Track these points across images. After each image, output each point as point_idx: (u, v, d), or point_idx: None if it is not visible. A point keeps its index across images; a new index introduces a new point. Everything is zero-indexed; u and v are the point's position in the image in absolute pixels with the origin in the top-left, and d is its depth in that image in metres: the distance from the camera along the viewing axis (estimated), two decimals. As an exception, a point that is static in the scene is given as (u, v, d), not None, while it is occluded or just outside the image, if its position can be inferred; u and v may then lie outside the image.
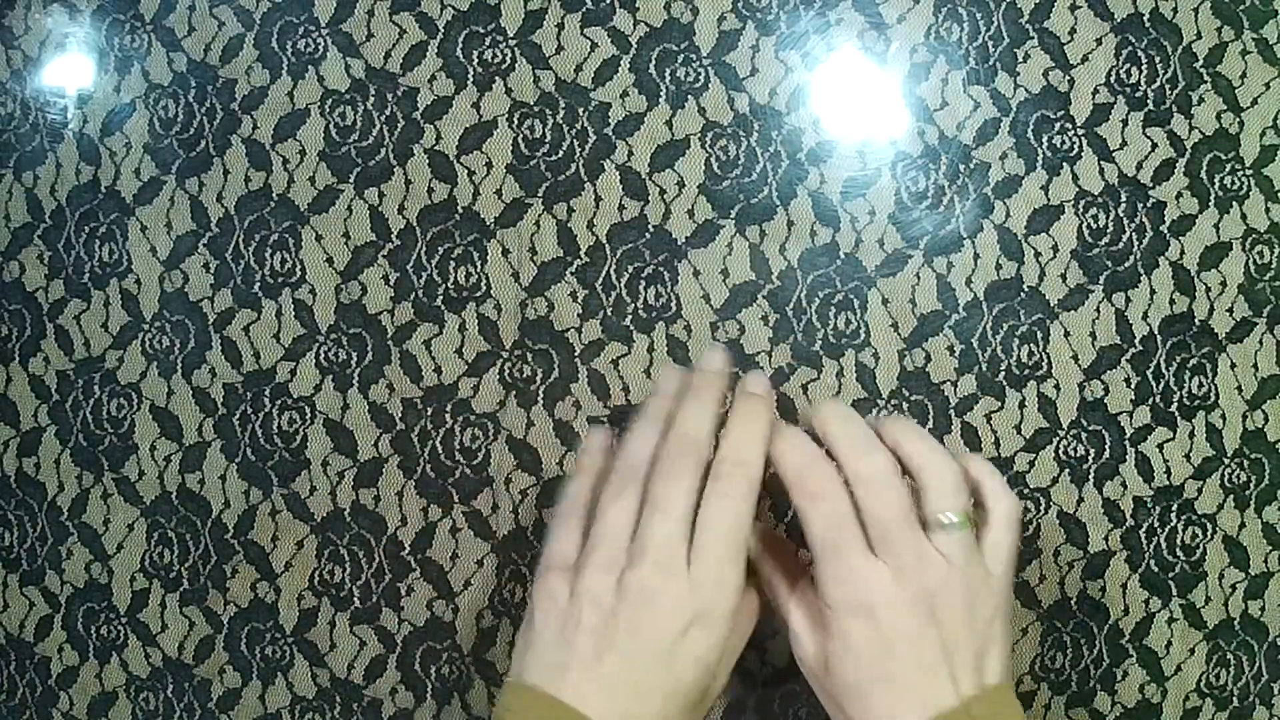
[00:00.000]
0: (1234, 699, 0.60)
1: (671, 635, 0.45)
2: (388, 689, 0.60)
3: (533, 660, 0.46)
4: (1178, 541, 0.60)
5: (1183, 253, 0.60)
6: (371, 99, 0.60)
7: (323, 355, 0.60)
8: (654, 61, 0.59)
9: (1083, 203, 0.59)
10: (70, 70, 0.61)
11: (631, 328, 0.60)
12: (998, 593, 0.47)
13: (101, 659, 0.61)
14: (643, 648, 0.45)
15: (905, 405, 0.59)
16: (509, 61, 0.60)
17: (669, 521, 0.46)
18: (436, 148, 0.60)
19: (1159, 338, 0.59)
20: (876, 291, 0.59)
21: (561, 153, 0.60)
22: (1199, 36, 0.60)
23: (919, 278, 0.59)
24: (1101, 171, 0.59)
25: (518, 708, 0.46)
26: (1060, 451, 0.59)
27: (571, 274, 0.60)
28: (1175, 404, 0.60)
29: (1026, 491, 0.59)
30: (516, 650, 0.48)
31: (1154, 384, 0.59)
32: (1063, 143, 0.59)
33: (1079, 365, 0.59)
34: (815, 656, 0.48)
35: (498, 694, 0.49)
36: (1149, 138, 0.59)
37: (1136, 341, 0.59)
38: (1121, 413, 0.59)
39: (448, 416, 0.60)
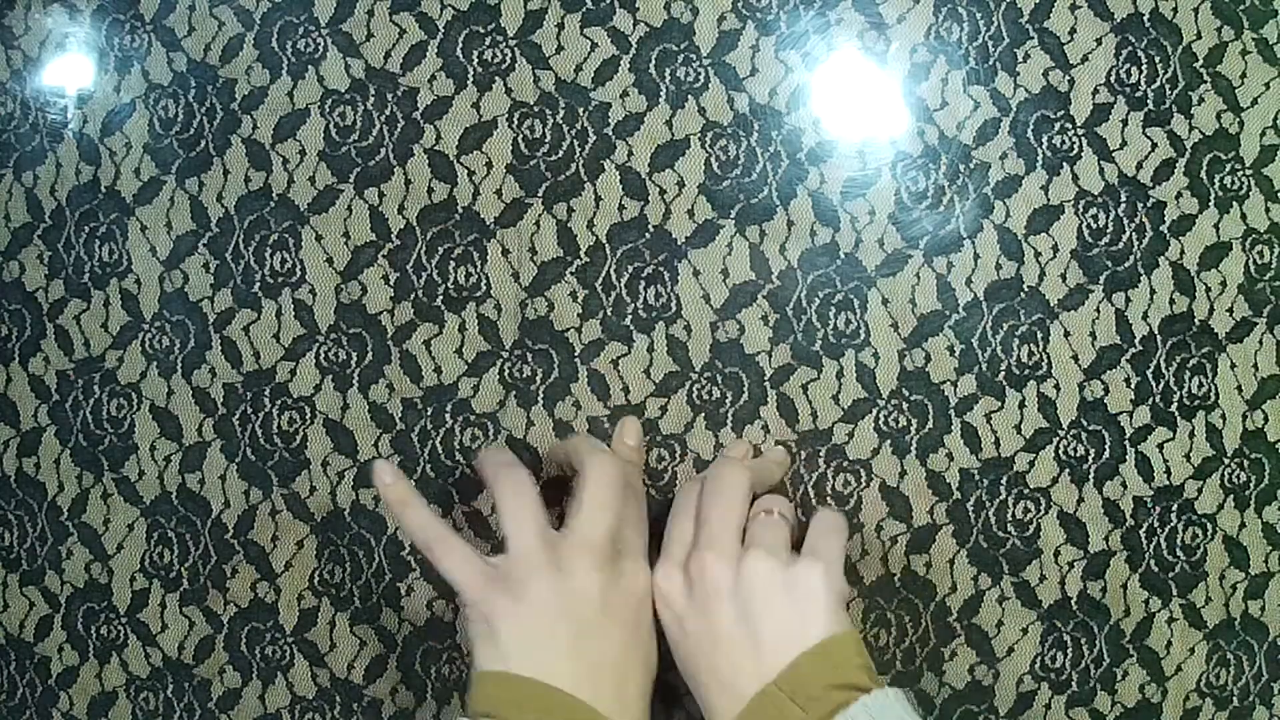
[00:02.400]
0: (1234, 699, 0.60)
1: (633, 609, 0.52)
2: (388, 689, 0.60)
3: (513, 654, 0.49)
4: (1178, 541, 0.60)
5: (1183, 253, 0.60)
6: (371, 99, 0.60)
7: (323, 355, 0.60)
8: (654, 61, 0.59)
9: (1083, 203, 0.59)
10: (70, 70, 0.61)
11: (631, 328, 0.60)
12: (810, 570, 0.50)
13: (101, 659, 0.61)
14: (615, 625, 0.51)
15: (905, 405, 0.59)
16: (509, 61, 0.60)
17: (608, 515, 0.52)
18: (436, 148, 0.60)
19: (1159, 338, 0.59)
20: (876, 291, 0.59)
21: (561, 153, 0.60)
22: (1199, 36, 0.60)
23: (919, 278, 0.59)
24: (1101, 171, 0.59)
25: (510, 698, 0.48)
26: (1060, 451, 0.59)
27: (571, 274, 0.60)
28: (1175, 404, 0.60)
29: (1026, 492, 0.59)
30: (480, 652, 0.50)
31: (1154, 384, 0.59)
32: (1063, 143, 0.59)
33: (1079, 365, 0.59)
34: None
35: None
36: (1149, 138, 0.59)
37: (1136, 341, 0.59)
38: (1121, 413, 0.59)
39: (448, 416, 0.60)
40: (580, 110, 0.59)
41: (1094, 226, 0.59)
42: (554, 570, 0.50)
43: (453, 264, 0.60)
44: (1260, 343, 0.60)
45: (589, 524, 0.51)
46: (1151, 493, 0.60)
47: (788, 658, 0.48)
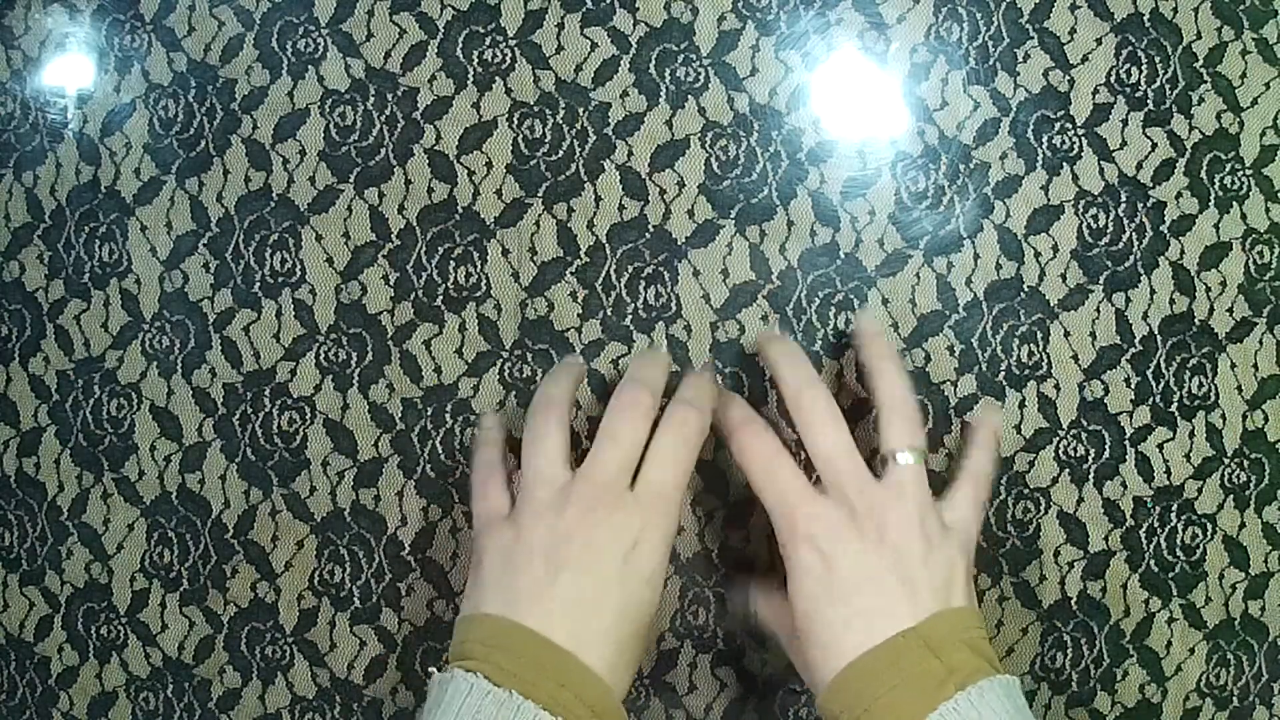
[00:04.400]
0: (1234, 699, 0.60)
1: (620, 553, 0.48)
2: (388, 689, 0.61)
3: (487, 594, 0.48)
4: (1178, 541, 0.60)
5: (1183, 253, 0.60)
6: (371, 99, 0.60)
7: (323, 355, 0.60)
8: (654, 61, 0.59)
9: (1083, 203, 0.59)
10: (70, 70, 0.61)
11: (631, 328, 0.60)
12: (953, 538, 0.49)
13: (101, 659, 0.61)
14: (593, 566, 0.48)
15: (905, 405, 0.59)
16: (509, 61, 0.60)
17: (618, 449, 0.49)
18: (436, 148, 0.60)
19: (1159, 338, 0.59)
20: (876, 291, 0.59)
21: (561, 153, 0.60)
22: (1199, 36, 0.60)
23: (919, 278, 0.59)
24: (1101, 171, 0.59)
25: (477, 636, 0.47)
26: (1060, 451, 0.59)
27: (571, 274, 0.60)
28: (1175, 404, 0.60)
29: (1027, 492, 0.59)
30: (466, 596, 0.50)
31: (1154, 384, 0.59)
32: (1063, 143, 0.59)
33: (1079, 365, 0.59)
34: (778, 606, 0.51)
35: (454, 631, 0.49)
36: (1149, 138, 0.59)
37: (1136, 341, 0.59)
38: (1121, 413, 0.59)
39: (448, 416, 0.60)
40: (580, 110, 0.59)
41: (1094, 226, 0.59)
42: (547, 506, 0.49)
43: (453, 264, 0.60)
44: (1260, 343, 0.60)
45: (592, 459, 0.50)
46: (1151, 493, 0.60)
47: (928, 611, 0.47)
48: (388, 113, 0.60)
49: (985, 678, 0.46)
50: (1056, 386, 0.59)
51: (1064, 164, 0.59)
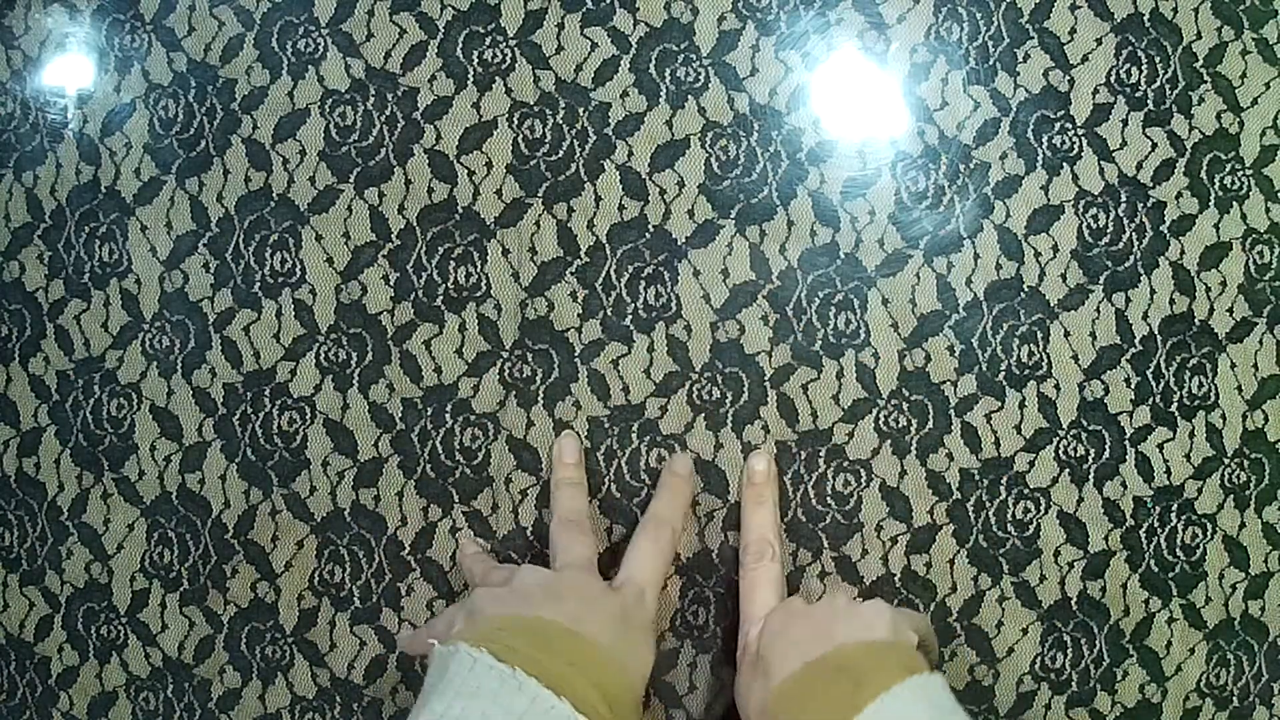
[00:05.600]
0: (1234, 699, 0.60)
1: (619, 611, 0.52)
2: (388, 689, 0.60)
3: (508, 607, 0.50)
4: (1178, 541, 0.60)
5: (1183, 253, 0.60)
6: (371, 99, 0.60)
7: (323, 355, 0.60)
8: (654, 61, 0.59)
9: (1083, 203, 0.59)
10: (70, 70, 0.61)
11: (631, 328, 0.60)
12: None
13: (101, 659, 0.61)
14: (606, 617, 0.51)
15: (905, 405, 0.59)
16: (509, 61, 0.60)
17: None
18: (436, 148, 0.60)
19: (1159, 338, 0.59)
20: (876, 291, 0.59)
21: (561, 153, 0.60)
22: (1199, 36, 0.60)
23: (919, 278, 0.59)
24: (1101, 171, 0.59)
25: (488, 625, 0.48)
26: (1060, 451, 0.59)
27: (571, 274, 0.60)
28: (1175, 404, 0.60)
29: (1026, 492, 0.59)
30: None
31: (1154, 384, 0.59)
32: (1063, 143, 0.59)
33: (1079, 365, 0.59)
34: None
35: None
36: (1149, 138, 0.59)
37: (1136, 341, 0.59)
38: (1121, 413, 0.59)
39: (448, 416, 0.60)
40: (580, 110, 0.59)
41: (1094, 226, 0.59)
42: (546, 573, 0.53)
43: (453, 264, 0.60)
44: (1260, 343, 0.60)
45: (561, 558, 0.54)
46: (1151, 493, 0.60)
47: (841, 641, 0.49)
48: (388, 113, 0.60)
49: (898, 682, 0.46)
50: (1056, 386, 0.59)
51: (1064, 164, 0.59)
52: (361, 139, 0.60)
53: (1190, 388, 0.60)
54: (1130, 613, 0.60)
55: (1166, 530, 0.60)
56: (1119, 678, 0.60)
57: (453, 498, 0.60)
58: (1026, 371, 0.59)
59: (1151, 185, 0.59)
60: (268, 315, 0.60)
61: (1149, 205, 0.59)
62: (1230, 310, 0.60)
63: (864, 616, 0.51)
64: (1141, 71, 0.59)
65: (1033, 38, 0.59)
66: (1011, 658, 0.60)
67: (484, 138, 0.60)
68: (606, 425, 0.59)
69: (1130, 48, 0.59)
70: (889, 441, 0.59)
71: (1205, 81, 0.60)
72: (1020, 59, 0.59)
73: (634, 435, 0.59)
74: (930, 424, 0.59)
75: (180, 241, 0.61)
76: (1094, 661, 0.60)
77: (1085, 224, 0.59)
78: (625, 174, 0.59)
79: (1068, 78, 0.59)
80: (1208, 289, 0.60)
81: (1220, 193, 0.60)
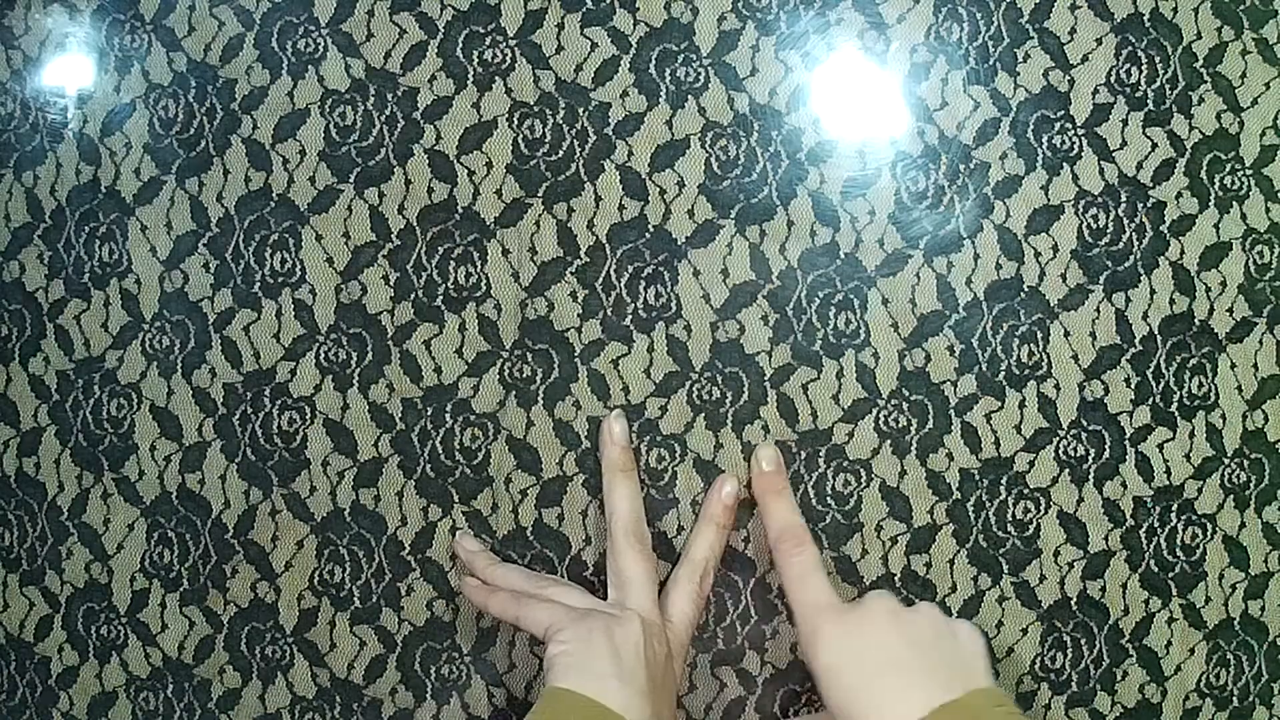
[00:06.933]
0: (1234, 699, 0.60)
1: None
2: (388, 689, 0.60)
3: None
4: (1178, 541, 0.60)
5: (1183, 253, 0.60)
6: (371, 99, 0.60)
7: (323, 355, 0.60)
8: (654, 61, 0.59)
9: (1083, 203, 0.59)
10: (70, 70, 0.61)
11: (631, 328, 0.59)
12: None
13: (101, 659, 0.61)
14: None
15: (905, 405, 0.59)
16: (509, 61, 0.60)
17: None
18: (436, 148, 0.60)
19: (1159, 338, 0.59)
20: (876, 291, 0.59)
21: (561, 153, 0.60)
22: (1199, 36, 0.60)
23: (919, 278, 0.59)
24: (1101, 171, 0.59)
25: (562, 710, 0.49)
26: (1060, 451, 0.59)
27: (571, 274, 0.60)
28: (1175, 404, 0.60)
29: (1026, 492, 0.59)
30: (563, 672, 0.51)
31: (1154, 384, 0.59)
32: (1063, 143, 0.59)
33: (1079, 365, 0.59)
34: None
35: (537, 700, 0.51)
36: (1149, 138, 0.59)
37: (1136, 341, 0.59)
38: (1121, 413, 0.59)
39: (448, 416, 0.60)
40: (580, 110, 0.59)
41: (1094, 226, 0.59)
42: (648, 628, 0.54)
43: (453, 264, 0.60)
44: (1260, 343, 0.60)
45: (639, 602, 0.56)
46: (1151, 493, 0.60)
47: (961, 690, 0.49)
48: (388, 113, 0.60)
49: None
50: (1056, 386, 0.59)
51: (1064, 164, 0.59)
52: (361, 139, 0.60)
53: (1190, 388, 0.60)
54: (1130, 613, 0.60)
55: (1166, 530, 0.60)
56: (1119, 678, 0.60)
57: (453, 498, 0.60)
58: (1026, 371, 0.59)
59: (1151, 185, 0.59)
60: (268, 315, 0.60)
61: (1149, 205, 0.59)
62: (1230, 310, 0.60)
63: (970, 652, 0.52)
64: (1141, 71, 0.59)
65: (1033, 38, 0.59)
66: (1011, 658, 0.60)
67: (484, 138, 0.60)
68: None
69: (1130, 48, 0.59)
70: (889, 441, 0.59)
71: (1205, 81, 0.60)
72: (1020, 59, 0.59)
73: (634, 435, 0.59)
74: (930, 424, 0.59)
75: (180, 241, 0.61)
76: (1094, 661, 0.60)
77: (1085, 224, 0.59)
78: (625, 174, 0.59)
79: (1068, 78, 0.59)
80: (1208, 289, 0.60)
81: (1220, 193, 0.60)
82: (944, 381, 0.59)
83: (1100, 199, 0.59)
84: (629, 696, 0.50)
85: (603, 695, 0.49)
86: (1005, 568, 0.59)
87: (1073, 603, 0.59)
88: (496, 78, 0.60)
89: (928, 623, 0.52)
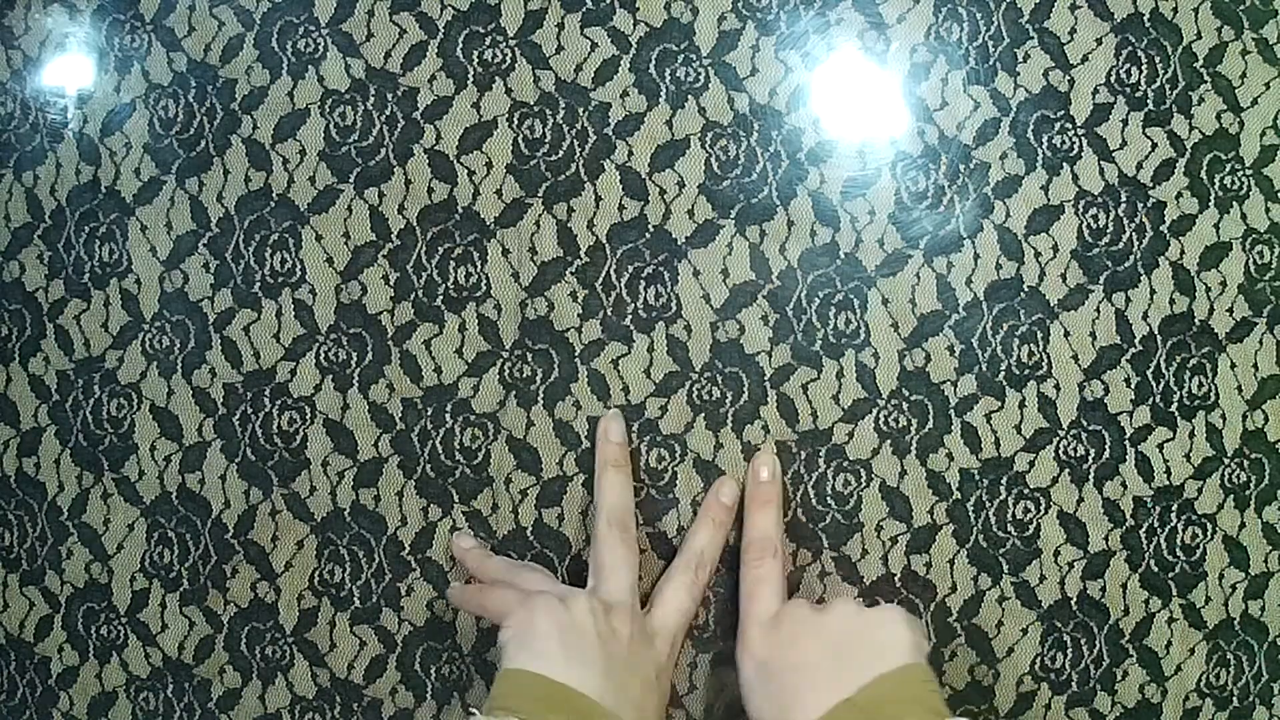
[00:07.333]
0: (1234, 699, 0.60)
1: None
2: (388, 689, 0.60)
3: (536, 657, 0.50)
4: (1178, 541, 0.60)
5: (1183, 253, 0.60)
6: (371, 99, 0.60)
7: (323, 355, 0.60)
8: (654, 61, 0.59)
9: (1083, 203, 0.59)
10: (70, 70, 0.61)
11: (631, 328, 0.60)
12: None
13: (101, 659, 0.61)
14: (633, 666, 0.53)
15: (905, 405, 0.59)
16: (509, 61, 0.60)
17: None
18: (436, 148, 0.60)
19: (1159, 338, 0.59)
20: (876, 291, 0.59)
21: (561, 153, 0.60)
22: (1199, 36, 0.60)
23: (919, 278, 0.59)
24: (1101, 171, 0.59)
25: (518, 692, 0.49)
26: (1060, 451, 0.59)
27: (571, 274, 0.60)
28: (1175, 404, 0.60)
29: (1026, 492, 0.59)
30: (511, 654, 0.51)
31: (1154, 384, 0.59)
32: (1063, 143, 0.59)
33: (1079, 365, 0.59)
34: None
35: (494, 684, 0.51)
36: (1149, 138, 0.59)
37: (1136, 341, 0.59)
38: (1121, 413, 0.59)
39: (448, 416, 0.60)
40: (580, 110, 0.59)
41: (1094, 226, 0.59)
42: (596, 606, 0.53)
43: (453, 264, 0.60)
44: (1260, 343, 0.60)
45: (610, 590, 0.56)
46: (1151, 493, 0.60)
47: (870, 677, 0.49)
48: (388, 113, 0.60)
49: None
50: (1056, 386, 0.59)
51: (1064, 164, 0.59)
52: (361, 139, 0.60)
53: (1190, 388, 0.60)
54: (1130, 613, 0.60)
55: (1166, 530, 0.60)
56: (1119, 678, 0.60)
57: (453, 498, 0.60)
58: (1026, 371, 0.59)
59: (1151, 185, 0.59)
60: (268, 315, 0.60)
61: (1149, 205, 0.59)
62: (1230, 310, 0.60)
63: (881, 639, 0.51)
64: (1141, 71, 0.59)
65: (1033, 38, 0.59)
66: (1011, 658, 0.60)
67: (484, 138, 0.60)
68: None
69: (1130, 48, 0.59)
70: (889, 441, 0.59)
71: (1205, 81, 0.60)
72: (1020, 59, 0.59)
73: (634, 435, 0.59)
74: (930, 424, 0.59)
75: (180, 241, 0.61)
76: (1094, 661, 0.60)
77: (1085, 224, 0.59)
78: (625, 174, 0.59)
79: (1068, 78, 0.59)
80: (1208, 289, 0.60)
81: (1220, 193, 0.60)
82: (944, 381, 0.59)
83: (1100, 199, 0.59)
84: (577, 670, 0.49)
85: (549, 671, 0.49)
86: (1005, 568, 0.59)
87: (1073, 603, 0.59)
88: (496, 78, 0.60)
89: (838, 619, 0.52)
